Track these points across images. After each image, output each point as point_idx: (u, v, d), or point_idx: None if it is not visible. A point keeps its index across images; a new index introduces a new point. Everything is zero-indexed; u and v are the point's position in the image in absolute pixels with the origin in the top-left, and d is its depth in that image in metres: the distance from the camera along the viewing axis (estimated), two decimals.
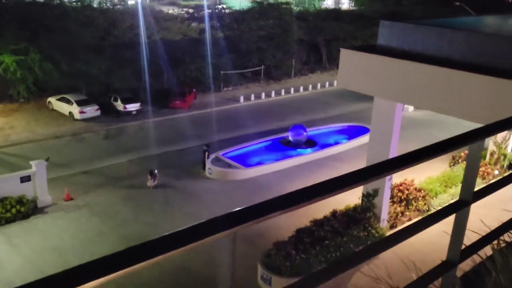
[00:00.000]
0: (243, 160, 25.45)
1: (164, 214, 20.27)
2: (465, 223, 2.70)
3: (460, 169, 22.28)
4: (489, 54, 13.46)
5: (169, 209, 20.74)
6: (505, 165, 24.44)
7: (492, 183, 3.09)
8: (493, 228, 3.06)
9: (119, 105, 32.94)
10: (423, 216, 2.52)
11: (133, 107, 33.08)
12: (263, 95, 38.90)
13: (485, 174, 22.37)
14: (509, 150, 24.82)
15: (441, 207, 2.69)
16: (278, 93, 40.02)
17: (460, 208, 2.67)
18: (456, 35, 14.61)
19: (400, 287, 2.54)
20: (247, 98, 37.89)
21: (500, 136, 25.26)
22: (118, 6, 41.05)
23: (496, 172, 23.92)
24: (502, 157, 24.42)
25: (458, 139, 2.50)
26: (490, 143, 25.96)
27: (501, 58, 13.12)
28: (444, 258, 2.68)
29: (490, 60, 13.29)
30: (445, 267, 2.66)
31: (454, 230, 2.69)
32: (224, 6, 52.56)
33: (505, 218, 3.23)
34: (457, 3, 38.37)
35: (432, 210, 19.75)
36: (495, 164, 24.27)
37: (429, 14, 41.79)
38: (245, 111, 35.46)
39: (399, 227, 18.59)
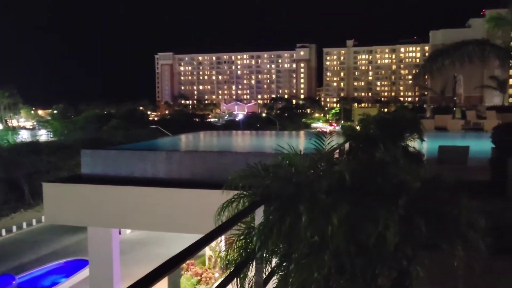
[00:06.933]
0: None
1: None
2: None
3: (184, 280, 22.84)
4: (188, 169, 14.72)
5: None
6: (223, 267, 26.27)
7: None
8: None
9: None
10: None
11: None
12: None
13: (208, 279, 23.50)
14: (223, 253, 26.91)
15: None
16: None
17: None
18: (158, 155, 15.58)
19: None
20: None
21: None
22: None
23: (217, 274, 25.45)
24: (219, 260, 26.26)
25: (155, 273, 2.43)
26: (207, 249, 27.79)
27: (198, 171, 14.51)
28: None
29: (189, 174, 14.52)
30: None
31: None
32: None
33: None
34: (154, 126, 41.83)
35: None
36: (214, 267, 25.86)
37: (130, 138, 43.98)
38: None
39: None
